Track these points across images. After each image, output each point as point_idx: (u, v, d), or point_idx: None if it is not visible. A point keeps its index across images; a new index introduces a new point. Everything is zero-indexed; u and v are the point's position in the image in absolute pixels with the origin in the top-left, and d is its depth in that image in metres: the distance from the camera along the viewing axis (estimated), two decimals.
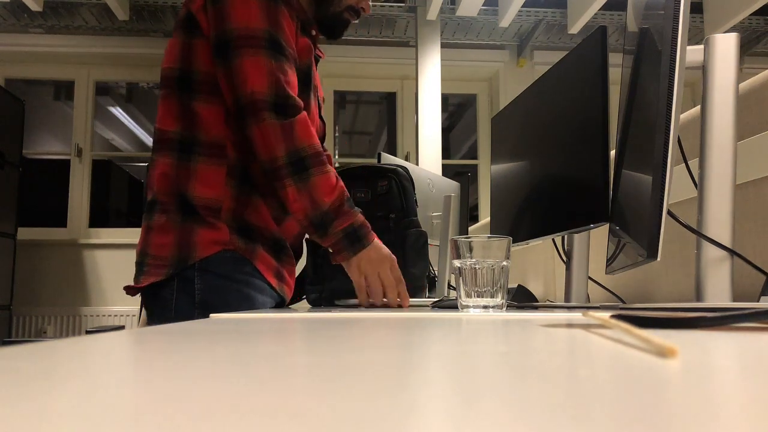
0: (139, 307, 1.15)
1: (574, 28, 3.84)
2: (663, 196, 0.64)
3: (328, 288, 1.25)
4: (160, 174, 1.12)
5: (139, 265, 1.11)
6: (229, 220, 1.10)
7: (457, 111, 5.04)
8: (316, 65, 1.27)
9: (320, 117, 1.29)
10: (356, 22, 1.43)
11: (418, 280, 1.28)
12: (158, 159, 1.13)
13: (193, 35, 1.11)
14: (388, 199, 1.28)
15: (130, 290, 1.12)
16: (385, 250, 1.12)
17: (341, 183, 1.10)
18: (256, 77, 1.05)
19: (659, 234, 0.64)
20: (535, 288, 1.95)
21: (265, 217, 1.15)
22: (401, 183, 1.30)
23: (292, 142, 1.06)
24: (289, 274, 1.21)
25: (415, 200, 1.35)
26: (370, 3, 1.31)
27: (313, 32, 1.23)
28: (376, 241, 1.11)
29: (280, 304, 1.20)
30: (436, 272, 1.60)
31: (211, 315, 0.72)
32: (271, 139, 1.06)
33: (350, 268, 1.10)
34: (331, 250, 1.11)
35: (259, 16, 1.07)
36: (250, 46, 1.06)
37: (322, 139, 1.30)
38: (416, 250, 1.28)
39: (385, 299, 1.10)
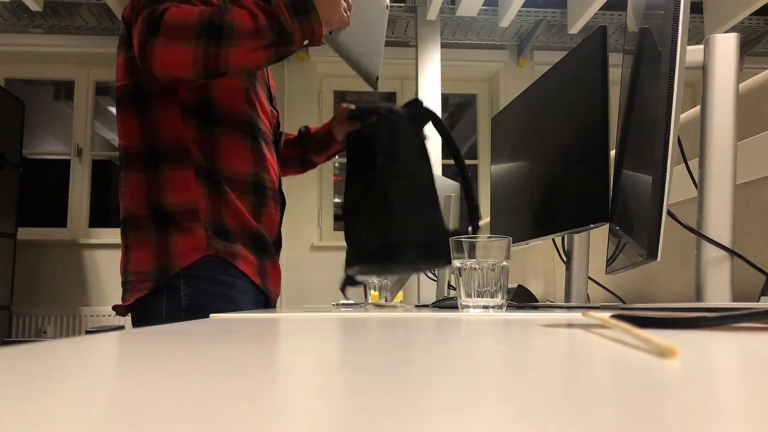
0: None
1: (574, 28, 3.84)
2: (663, 196, 0.64)
3: None
4: (129, 191, 1.12)
5: (124, 284, 1.12)
6: (208, 222, 1.09)
7: (457, 111, 5.04)
8: None
9: (273, 107, 1.32)
10: None
11: (439, 223, 1.22)
12: (126, 176, 1.13)
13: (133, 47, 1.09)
14: (377, 139, 1.25)
15: (119, 310, 1.12)
16: None
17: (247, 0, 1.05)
18: (134, 38, 1.03)
19: (659, 234, 0.64)
20: (535, 288, 1.95)
21: (242, 215, 1.13)
22: (391, 124, 1.27)
23: (190, 29, 0.99)
24: (272, 269, 1.20)
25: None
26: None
27: None
28: None
29: (266, 303, 1.20)
30: (436, 272, 1.60)
31: (211, 315, 0.72)
32: (170, 55, 1.00)
33: (327, 22, 1.08)
34: (307, 40, 1.07)
35: None
36: (135, 18, 1.04)
37: (276, 126, 1.32)
38: (427, 195, 1.23)
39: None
